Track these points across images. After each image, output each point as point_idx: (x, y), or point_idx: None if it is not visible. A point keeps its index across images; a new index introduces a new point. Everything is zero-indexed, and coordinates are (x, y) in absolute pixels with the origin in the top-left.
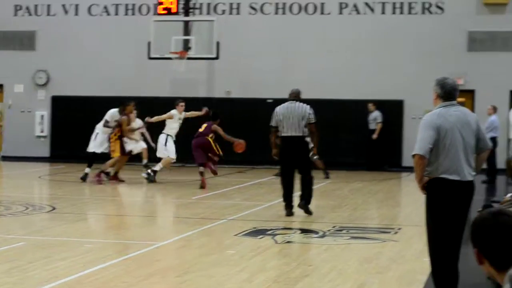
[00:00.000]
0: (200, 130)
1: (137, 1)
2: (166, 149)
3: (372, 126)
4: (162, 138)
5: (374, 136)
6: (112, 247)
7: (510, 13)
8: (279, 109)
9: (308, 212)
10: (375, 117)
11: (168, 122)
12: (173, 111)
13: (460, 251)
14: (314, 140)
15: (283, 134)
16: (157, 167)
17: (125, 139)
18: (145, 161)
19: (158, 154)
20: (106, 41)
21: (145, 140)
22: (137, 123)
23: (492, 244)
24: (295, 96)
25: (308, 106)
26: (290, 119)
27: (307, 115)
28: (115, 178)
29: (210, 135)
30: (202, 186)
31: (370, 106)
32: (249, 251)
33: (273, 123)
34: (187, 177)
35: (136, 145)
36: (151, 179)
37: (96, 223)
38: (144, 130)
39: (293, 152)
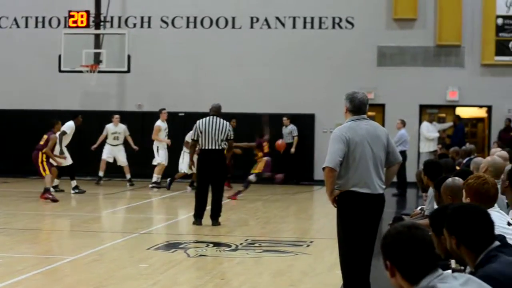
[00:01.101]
0: None
1: (47, 14)
2: (158, 155)
3: (287, 139)
4: (154, 147)
5: (292, 149)
6: (24, 262)
7: (419, 28)
8: (200, 122)
9: (216, 224)
10: (290, 131)
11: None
12: (158, 122)
13: (371, 264)
14: (228, 155)
15: (202, 148)
16: (154, 178)
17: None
18: (128, 176)
19: (153, 162)
20: (17, 54)
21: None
22: (120, 127)
23: (406, 257)
24: (216, 111)
25: (228, 123)
26: (211, 133)
27: (227, 131)
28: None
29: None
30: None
31: (285, 120)
32: (162, 265)
33: (194, 136)
34: (101, 190)
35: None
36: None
37: (8, 237)
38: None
39: (211, 166)
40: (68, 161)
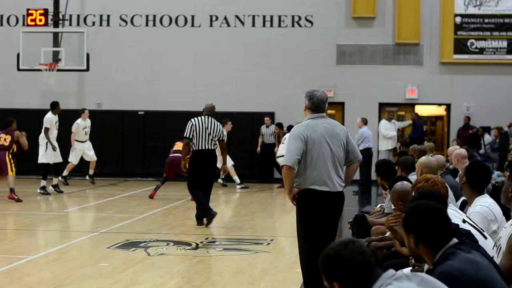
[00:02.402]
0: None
1: (5, 12)
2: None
3: (269, 140)
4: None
5: (258, 149)
6: None
7: (378, 27)
8: (194, 121)
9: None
10: (273, 131)
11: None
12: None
13: None
14: (223, 156)
15: (196, 148)
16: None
17: None
18: (91, 172)
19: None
20: None
21: None
22: (88, 121)
23: (349, 272)
24: (209, 111)
25: (220, 124)
26: (205, 133)
27: (220, 132)
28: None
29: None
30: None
31: (267, 120)
32: (122, 264)
33: (188, 135)
34: (66, 189)
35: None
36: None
37: None
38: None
39: (204, 166)
40: (58, 158)
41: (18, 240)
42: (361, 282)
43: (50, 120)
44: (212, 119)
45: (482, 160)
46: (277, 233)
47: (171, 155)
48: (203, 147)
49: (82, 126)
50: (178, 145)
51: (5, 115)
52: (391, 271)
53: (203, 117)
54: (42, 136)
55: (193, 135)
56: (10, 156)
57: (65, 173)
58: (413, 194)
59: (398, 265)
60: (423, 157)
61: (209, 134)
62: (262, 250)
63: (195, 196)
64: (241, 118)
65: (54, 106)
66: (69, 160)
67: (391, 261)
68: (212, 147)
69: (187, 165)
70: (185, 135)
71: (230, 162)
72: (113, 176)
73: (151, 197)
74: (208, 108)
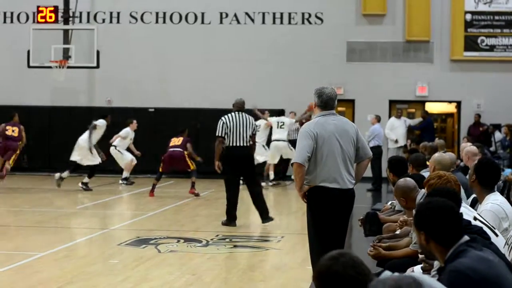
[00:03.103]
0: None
1: (15, 9)
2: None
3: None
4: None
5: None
6: None
7: (388, 24)
8: (226, 119)
9: (269, 219)
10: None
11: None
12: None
13: None
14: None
15: (230, 145)
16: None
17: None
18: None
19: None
20: None
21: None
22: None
23: (343, 286)
24: (239, 107)
25: (252, 118)
26: (238, 130)
27: (253, 126)
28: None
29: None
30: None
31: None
32: (132, 261)
33: (220, 133)
34: (71, 186)
35: None
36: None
37: None
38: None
39: (240, 163)
40: (96, 159)
41: (29, 237)
42: None
43: (104, 124)
44: (244, 114)
45: (492, 157)
46: (287, 230)
47: (170, 149)
48: (237, 144)
49: (130, 136)
50: (174, 141)
51: (15, 112)
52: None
53: (234, 113)
54: (85, 138)
55: (225, 132)
56: (20, 148)
57: (126, 174)
58: (426, 190)
59: (404, 264)
60: (436, 154)
61: (243, 130)
62: (273, 247)
63: (228, 196)
64: (251, 115)
65: (105, 116)
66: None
67: (393, 261)
68: (246, 144)
69: (220, 165)
70: (217, 134)
71: (263, 158)
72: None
73: (151, 195)
74: (238, 104)
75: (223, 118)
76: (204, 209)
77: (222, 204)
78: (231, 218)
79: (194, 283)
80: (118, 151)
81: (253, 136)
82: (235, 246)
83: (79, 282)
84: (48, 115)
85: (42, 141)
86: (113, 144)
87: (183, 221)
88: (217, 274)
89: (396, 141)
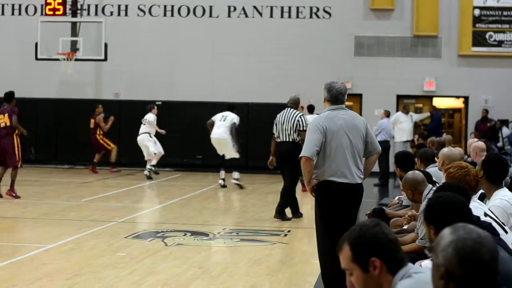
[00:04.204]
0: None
1: (23, 1)
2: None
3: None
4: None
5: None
6: (0, 250)
7: (396, 19)
8: (277, 116)
9: (280, 217)
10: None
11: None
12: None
13: None
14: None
15: (277, 140)
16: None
17: None
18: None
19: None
20: None
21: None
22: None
23: (387, 247)
24: (293, 103)
25: (300, 114)
26: (284, 125)
27: (296, 122)
28: None
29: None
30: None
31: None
32: (139, 254)
33: (273, 130)
34: (77, 179)
35: None
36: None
37: None
38: None
39: (281, 158)
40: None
41: (36, 229)
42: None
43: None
44: (292, 110)
45: (500, 153)
46: (294, 224)
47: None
48: (281, 139)
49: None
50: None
51: (22, 104)
52: (410, 265)
53: (285, 109)
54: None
55: (275, 129)
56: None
57: (154, 162)
58: (444, 179)
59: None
60: (446, 149)
61: (286, 126)
62: (280, 241)
63: (288, 192)
64: (259, 109)
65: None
66: (155, 152)
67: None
68: (288, 139)
69: (274, 161)
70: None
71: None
72: (132, 166)
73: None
74: (292, 100)
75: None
76: (210, 202)
77: (228, 198)
78: (297, 210)
79: (201, 276)
80: (151, 137)
81: (302, 132)
82: (241, 240)
83: (86, 274)
84: (55, 108)
85: (49, 134)
86: (146, 132)
87: (190, 215)
88: (224, 267)
89: (408, 131)
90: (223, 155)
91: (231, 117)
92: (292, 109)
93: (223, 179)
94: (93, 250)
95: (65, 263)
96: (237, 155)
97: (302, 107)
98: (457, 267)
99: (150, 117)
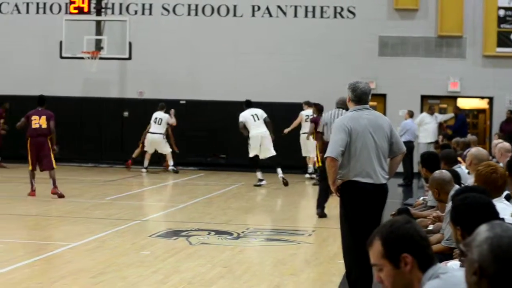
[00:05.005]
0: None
1: (48, 0)
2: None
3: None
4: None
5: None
6: (25, 248)
7: (420, 19)
8: (325, 115)
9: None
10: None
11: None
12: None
13: None
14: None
15: (326, 140)
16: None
17: None
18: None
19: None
20: (17, 39)
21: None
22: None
23: (418, 244)
24: (342, 104)
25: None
26: (330, 126)
27: None
28: None
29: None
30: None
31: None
32: (164, 252)
33: (320, 128)
34: (102, 177)
35: None
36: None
37: (8, 223)
38: None
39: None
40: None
41: (60, 227)
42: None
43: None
44: (342, 111)
45: None
46: (319, 224)
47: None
48: (328, 139)
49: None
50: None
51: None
52: (439, 265)
53: (334, 110)
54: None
55: (325, 129)
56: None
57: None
58: (473, 178)
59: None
60: (474, 149)
61: (330, 126)
62: (304, 241)
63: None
64: (282, 109)
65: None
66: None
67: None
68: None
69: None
70: (318, 129)
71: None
72: (155, 165)
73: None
74: (341, 101)
75: (323, 115)
76: (235, 201)
77: (252, 197)
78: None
79: (225, 275)
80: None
81: None
82: (266, 239)
83: (110, 273)
84: (79, 106)
85: (73, 132)
86: (161, 133)
87: (214, 214)
88: (248, 267)
89: (433, 130)
90: (257, 156)
91: (260, 113)
92: (341, 110)
93: (282, 176)
94: (118, 249)
95: (90, 262)
96: (274, 152)
97: (311, 105)
98: (491, 264)
99: (166, 117)
